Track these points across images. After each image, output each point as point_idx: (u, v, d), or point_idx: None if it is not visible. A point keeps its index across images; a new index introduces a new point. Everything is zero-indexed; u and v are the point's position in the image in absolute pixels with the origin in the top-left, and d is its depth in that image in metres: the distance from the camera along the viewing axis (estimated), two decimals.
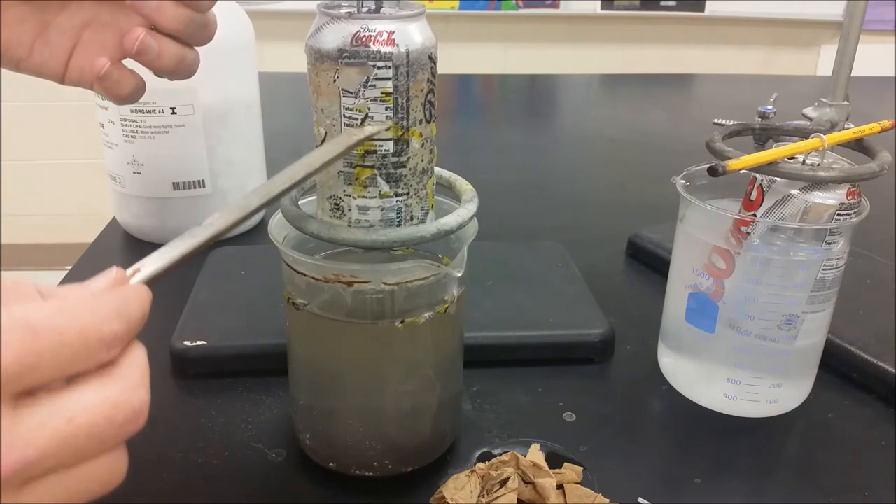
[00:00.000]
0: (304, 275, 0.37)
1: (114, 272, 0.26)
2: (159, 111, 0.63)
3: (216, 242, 0.30)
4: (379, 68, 0.32)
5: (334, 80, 0.33)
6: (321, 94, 0.34)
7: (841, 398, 0.50)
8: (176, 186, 0.66)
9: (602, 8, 2.25)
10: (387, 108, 0.33)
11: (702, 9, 2.26)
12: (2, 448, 0.20)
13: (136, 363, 0.25)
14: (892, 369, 0.49)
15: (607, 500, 0.39)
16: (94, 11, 0.37)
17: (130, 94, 0.39)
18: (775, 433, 0.47)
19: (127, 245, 0.70)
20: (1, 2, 0.34)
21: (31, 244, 2.41)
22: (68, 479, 0.22)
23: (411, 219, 0.36)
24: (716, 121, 0.54)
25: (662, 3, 2.25)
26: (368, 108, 0.33)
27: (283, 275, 0.39)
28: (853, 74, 0.63)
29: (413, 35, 0.32)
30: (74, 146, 2.27)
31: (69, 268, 0.65)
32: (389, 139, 0.34)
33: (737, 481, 0.43)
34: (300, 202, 0.38)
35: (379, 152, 0.34)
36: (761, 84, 1.56)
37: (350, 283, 0.36)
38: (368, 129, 0.33)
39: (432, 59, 0.33)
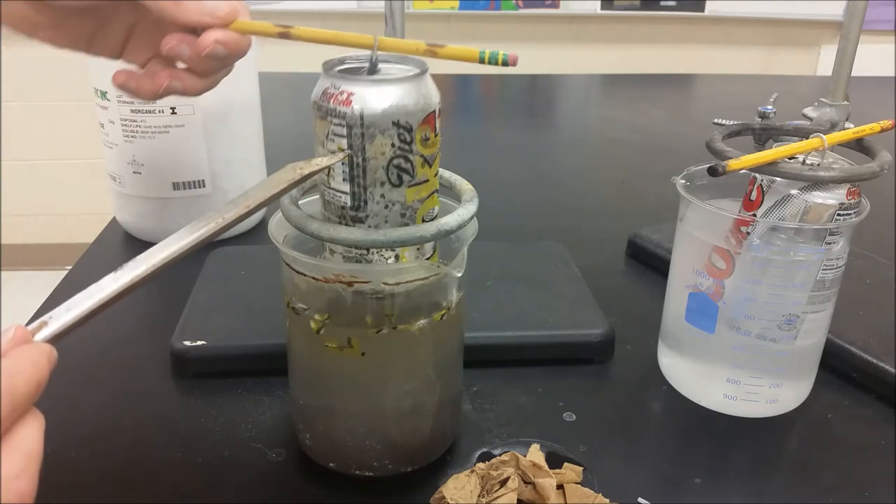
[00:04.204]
0: (304, 275, 0.37)
1: (12, 331, 0.24)
2: (159, 111, 0.63)
3: (212, 242, 0.29)
4: (335, 125, 0.34)
5: (313, 128, 0.36)
6: (314, 135, 0.36)
7: (841, 398, 0.50)
8: (176, 186, 0.66)
9: (602, 8, 2.25)
10: (343, 164, 0.34)
11: (702, 9, 2.26)
12: None
13: (20, 446, 0.22)
14: (892, 369, 0.49)
15: (607, 500, 0.39)
16: (138, 17, 0.41)
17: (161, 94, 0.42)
18: (775, 433, 0.47)
19: (127, 245, 0.70)
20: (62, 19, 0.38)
21: (31, 244, 2.41)
22: None
23: None
24: (716, 121, 0.54)
25: (662, 3, 2.25)
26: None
27: (283, 275, 0.39)
28: (853, 74, 0.63)
29: (373, 99, 0.33)
30: (74, 146, 2.27)
31: (69, 268, 0.65)
32: (346, 192, 0.35)
33: (737, 481, 0.43)
34: (300, 202, 0.38)
35: (336, 203, 0.35)
36: (761, 84, 1.56)
37: (350, 283, 0.36)
38: (316, 163, 0.34)
39: (400, 126, 0.33)
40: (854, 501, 0.41)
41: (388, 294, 0.37)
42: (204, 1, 0.37)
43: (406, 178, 0.35)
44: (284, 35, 0.37)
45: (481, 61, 0.34)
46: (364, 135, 0.33)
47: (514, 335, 0.53)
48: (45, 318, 0.26)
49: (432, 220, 0.36)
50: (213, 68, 0.40)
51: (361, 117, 0.33)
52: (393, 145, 0.34)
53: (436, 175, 0.36)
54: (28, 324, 0.26)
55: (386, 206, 0.35)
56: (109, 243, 0.71)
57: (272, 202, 0.33)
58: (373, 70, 0.35)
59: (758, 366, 0.46)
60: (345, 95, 0.33)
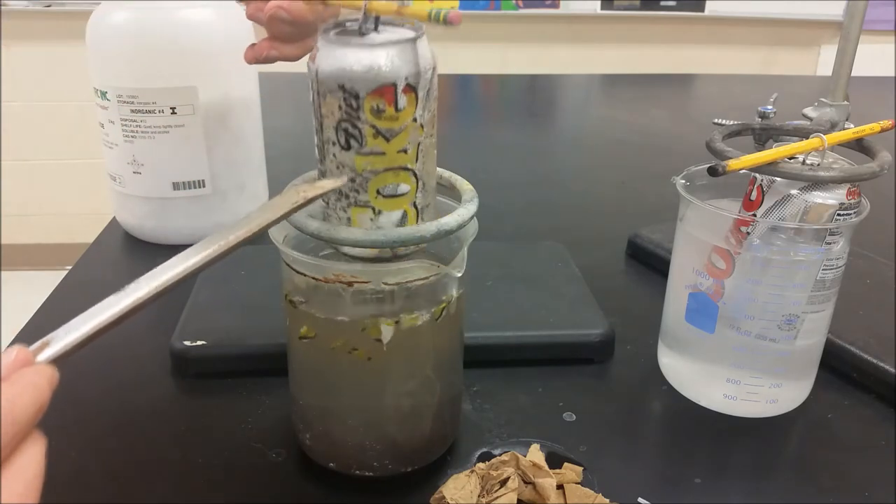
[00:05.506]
0: (304, 275, 0.37)
1: (13, 353, 0.24)
2: (159, 111, 0.63)
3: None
4: (309, 79, 0.35)
5: None
6: None
7: (841, 398, 0.50)
8: (176, 186, 0.66)
9: (602, 8, 2.25)
10: (314, 116, 0.35)
11: (702, 9, 2.26)
12: None
13: (20, 473, 0.22)
14: (892, 369, 0.49)
15: (607, 500, 0.39)
16: None
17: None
18: (775, 433, 0.47)
19: (127, 245, 0.70)
20: None
21: (31, 244, 2.41)
22: None
23: None
24: (716, 121, 0.54)
25: (662, 3, 2.25)
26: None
27: (283, 275, 0.39)
28: (853, 74, 0.63)
29: (327, 58, 0.34)
30: (74, 146, 2.27)
31: (69, 268, 0.65)
32: (315, 145, 0.36)
33: (737, 481, 0.43)
34: None
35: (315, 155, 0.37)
36: (761, 84, 1.56)
37: (350, 283, 0.36)
38: (321, 186, 0.34)
39: (346, 90, 0.33)
40: (854, 501, 0.41)
41: (388, 294, 0.37)
42: None
43: (354, 144, 0.34)
44: (323, 0, 0.41)
45: (429, 18, 0.34)
46: (319, 91, 0.34)
47: (514, 335, 0.53)
48: (46, 338, 0.26)
49: (393, 196, 0.36)
50: (288, 33, 0.45)
51: (317, 74, 0.34)
52: (340, 108, 0.34)
53: (400, 152, 0.35)
54: (20, 332, 0.26)
55: (337, 167, 0.35)
56: (109, 243, 0.71)
57: (276, 225, 0.33)
58: (362, 34, 0.35)
59: (758, 366, 0.46)
60: (314, 52, 0.35)
